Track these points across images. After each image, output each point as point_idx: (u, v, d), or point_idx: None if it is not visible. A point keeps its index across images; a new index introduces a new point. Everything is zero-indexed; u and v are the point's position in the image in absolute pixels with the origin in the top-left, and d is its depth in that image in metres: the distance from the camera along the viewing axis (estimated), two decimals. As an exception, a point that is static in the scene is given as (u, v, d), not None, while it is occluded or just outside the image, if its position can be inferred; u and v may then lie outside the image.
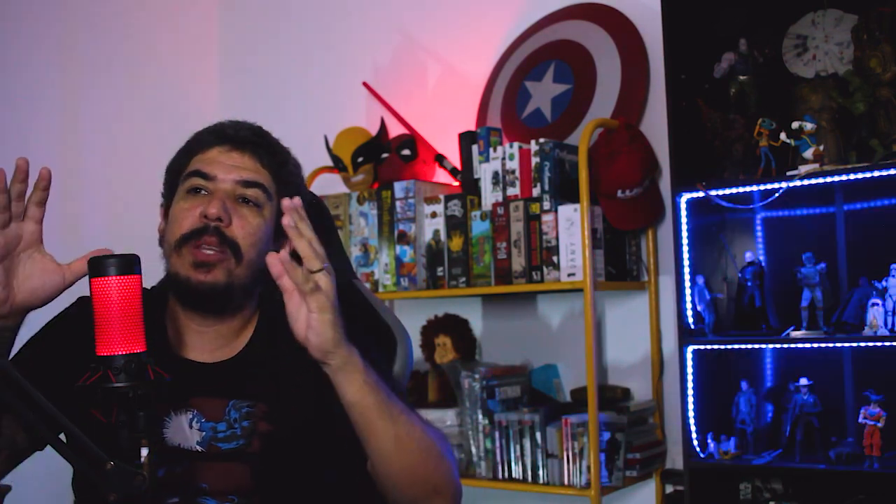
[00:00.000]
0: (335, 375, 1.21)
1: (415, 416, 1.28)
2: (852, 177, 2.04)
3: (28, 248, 1.18)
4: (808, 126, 2.09)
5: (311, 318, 1.16)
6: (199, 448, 1.31)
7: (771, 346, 2.26)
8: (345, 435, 1.26)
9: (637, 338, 2.59)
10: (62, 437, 0.99)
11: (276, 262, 1.15)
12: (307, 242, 1.15)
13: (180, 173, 1.37)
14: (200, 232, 1.29)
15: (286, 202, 1.16)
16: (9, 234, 1.15)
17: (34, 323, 1.33)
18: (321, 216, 1.62)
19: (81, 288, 1.21)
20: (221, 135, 1.37)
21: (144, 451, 1.02)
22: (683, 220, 2.25)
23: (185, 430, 1.31)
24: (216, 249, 1.29)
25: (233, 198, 1.33)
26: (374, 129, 2.87)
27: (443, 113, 2.97)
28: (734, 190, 2.18)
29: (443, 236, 2.59)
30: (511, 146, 2.51)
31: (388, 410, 1.23)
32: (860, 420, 2.04)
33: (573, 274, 2.35)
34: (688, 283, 2.24)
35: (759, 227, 2.38)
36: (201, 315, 1.35)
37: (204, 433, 1.32)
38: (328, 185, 2.96)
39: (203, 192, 1.33)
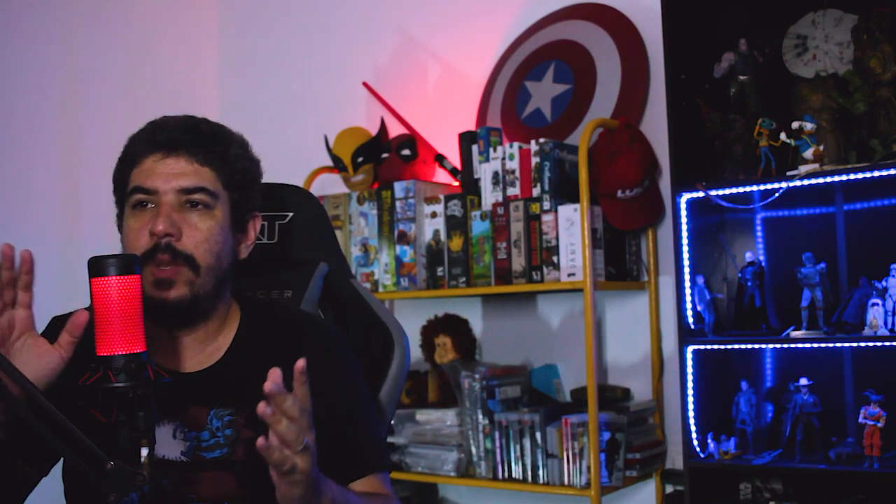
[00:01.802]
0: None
1: None
2: (852, 177, 2.04)
3: (22, 335, 1.13)
4: (808, 126, 2.09)
5: (282, 485, 1.13)
6: (184, 458, 1.30)
7: (771, 346, 2.26)
8: (327, 438, 1.26)
9: (637, 338, 2.59)
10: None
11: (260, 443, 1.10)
12: (286, 424, 1.07)
13: (123, 186, 1.35)
14: (153, 251, 1.27)
15: (268, 386, 1.05)
16: (1, 324, 1.12)
17: (41, 328, 1.33)
18: (308, 207, 1.60)
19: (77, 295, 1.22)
20: (152, 141, 1.33)
21: (144, 451, 1.02)
22: (683, 220, 2.25)
23: (169, 441, 1.30)
24: (172, 265, 1.27)
25: (178, 207, 1.30)
26: (374, 129, 2.87)
27: (443, 113, 2.97)
28: (734, 190, 2.18)
29: (443, 236, 2.59)
30: (511, 146, 2.51)
31: None
32: (860, 420, 2.04)
33: (573, 274, 2.35)
34: (688, 283, 2.24)
35: (759, 227, 2.38)
36: (170, 328, 1.34)
37: (188, 443, 1.30)
38: (328, 185, 2.96)
39: (148, 205, 1.31)
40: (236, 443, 1.31)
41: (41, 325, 1.40)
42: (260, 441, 1.07)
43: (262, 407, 1.06)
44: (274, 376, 1.05)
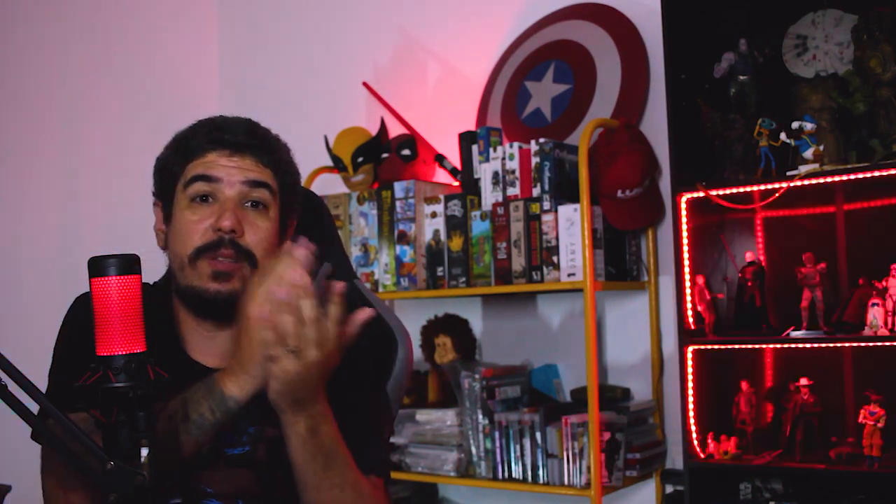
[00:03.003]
0: (281, 419, 1.21)
1: (351, 475, 1.26)
2: (852, 177, 2.04)
3: None
4: (808, 126, 2.09)
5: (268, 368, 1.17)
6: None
7: (771, 346, 2.26)
8: (348, 438, 1.26)
9: (637, 338, 2.59)
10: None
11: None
12: (289, 318, 1.13)
13: (176, 176, 1.35)
14: (216, 245, 1.29)
15: (339, 286, 1.15)
16: None
17: (41, 328, 1.33)
18: (319, 213, 1.61)
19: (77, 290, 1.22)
20: (218, 140, 1.34)
21: (144, 451, 1.02)
22: (683, 220, 2.25)
23: None
24: (233, 261, 1.29)
25: (240, 204, 1.31)
26: (374, 129, 2.87)
27: (443, 113, 2.97)
28: (734, 190, 2.18)
29: (443, 236, 2.59)
30: (511, 146, 2.51)
31: (322, 469, 1.22)
32: (860, 420, 2.04)
33: (573, 274, 2.35)
34: (688, 283, 2.24)
35: (759, 227, 2.38)
36: (215, 323, 1.34)
37: None
38: (328, 185, 2.96)
39: (209, 198, 1.31)
40: (258, 441, 1.31)
41: (42, 320, 1.41)
42: (256, 312, 1.13)
43: (277, 292, 1.13)
44: (304, 245, 1.14)
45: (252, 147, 1.34)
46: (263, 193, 1.33)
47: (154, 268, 1.37)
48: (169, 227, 1.36)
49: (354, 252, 2.75)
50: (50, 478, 1.24)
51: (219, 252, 1.28)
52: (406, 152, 2.79)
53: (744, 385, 2.23)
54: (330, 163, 2.89)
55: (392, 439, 2.60)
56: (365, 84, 3.09)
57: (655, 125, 2.52)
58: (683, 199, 2.25)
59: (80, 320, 1.35)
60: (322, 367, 1.16)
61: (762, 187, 2.16)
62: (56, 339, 1.37)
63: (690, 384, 2.21)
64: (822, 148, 2.09)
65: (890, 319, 1.99)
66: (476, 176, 2.62)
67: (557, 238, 2.38)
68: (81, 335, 1.31)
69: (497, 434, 2.44)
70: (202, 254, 1.29)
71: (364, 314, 1.20)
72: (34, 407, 1.04)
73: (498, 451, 2.44)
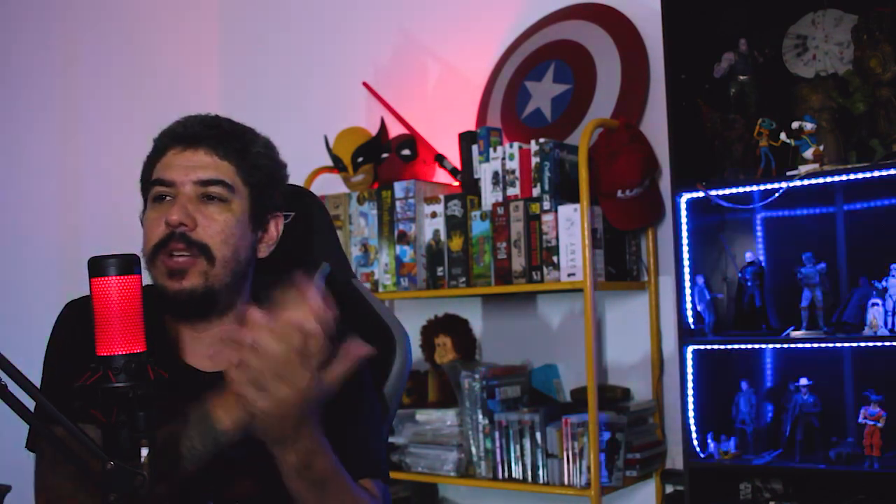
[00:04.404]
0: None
1: (349, 497, 1.25)
2: (852, 177, 2.04)
3: None
4: (808, 126, 2.09)
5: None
6: None
7: (771, 346, 2.26)
8: (348, 442, 1.26)
9: (637, 338, 2.59)
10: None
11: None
12: (249, 357, 1.08)
13: (147, 182, 1.36)
14: (167, 240, 1.27)
15: (254, 313, 1.09)
16: None
17: (41, 328, 1.33)
18: (310, 207, 1.60)
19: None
20: (173, 135, 1.34)
21: (144, 451, 1.02)
22: (683, 220, 2.25)
23: None
24: (186, 255, 1.27)
25: (195, 199, 1.30)
26: (374, 129, 2.87)
27: (443, 113, 2.97)
28: (734, 190, 2.18)
29: (443, 236, 2.59)
30: (511, 146, 2.51)
31: (318, 499, 1.20)
32: (860, 420, 2.04)
33: (573, 274, 2.35)
34: (688, 283, 2.24)
35: (759, 227, 2.38)
36: (190, 323, 1.34)
37: None
38: (328, 185, 2.96)
39: (167, 198, 1.31)
40: (258, 446, 1.31)
41: (42, 320, 1.41)
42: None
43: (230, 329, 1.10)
44: (256, 314, 1.08)
45: (207, 139, 1.33)
46: (218, 189, 1.31)
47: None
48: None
49: (354, 252, 2.75)
50: (41, 497, 1.23)
51: (170, 246, 1.27)
52: (406, 152, 2.79)
53: (744, 385, 2.23)
54: (330, 163, 2.89)
55: (392, 439, 2.60)
56: (365, 84, 3.09)
57: (655, 125, 2.52)
58: (683, 199, 2.25)
59: (70, 327, 1.35)
60: (299, 404, 1.11)
61: (762, 187, 2.16)
62: (47, 346, 1.36)
63: (690, 384, 2.21)
64: (822, 148, 2.09)
65: (890, 319, 1.99)
66: (476, 176, 2.62)
67: (557, 238, 2.38)
68: (72, 342, 1.31)
69: (497, 434, 2.44)
70: (158, 251, 1.28)
71: (359, 350, 1.14)
72: (34, 407, 1.04)
73: (498, 451, 2.44)
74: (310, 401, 1.12)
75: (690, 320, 2.23)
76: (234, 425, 1.17)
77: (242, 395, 1.11)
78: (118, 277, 1.01)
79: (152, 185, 1.33)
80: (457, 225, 2.57)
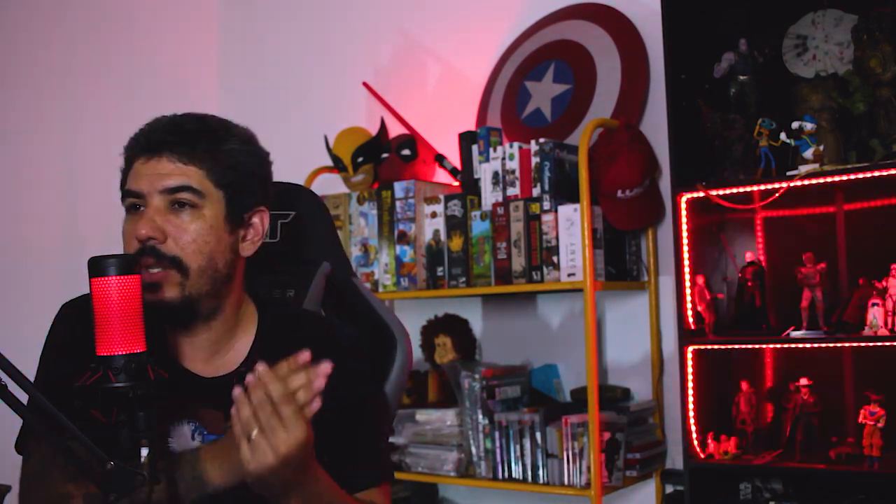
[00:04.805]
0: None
1: None
2: (852, 177, 2.04)
3: None
4: (808, 126, 2.09)
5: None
6: None
7: (771, 346, 2.26)
8: (359, 450, 1.26)
9: (637, 338, 2.59)
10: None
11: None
12: (245, 410, 1.08)
13: (122, 193, 1.35)
14: (139, 255, 1.25)
15: (250, 376, 1.08)
16: None
17: (41, 328, 1.33)
18: (310, 206, 1.60)
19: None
20: (137, 144, 1.32)
21: (144, 451, 1.02)
22: (683, 220, 2.25)
23: (188, 443, 1.30)
24: (158, 269, 1.25)
25: (165, 209, 1.28)
26: (374, 129, 2.87)
27: (443, 113, 2.97)
28: (734, 190, 2.18)
29: (443, 236, 2.59)
30: (511, 146, 2.51)
31: None
32: (860, 420, 2.04)
33: (573, 274, 2.35)
34: (688, 283, 2.24)
35: (759, 227, 2.38)
36: (179, 331, 1.33)
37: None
38: (328, 185, 2.96)
39: (141, 208, 1.29)
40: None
41: (42, 320, 1.41)
42: (236, 391, 1.09)
43: (236, 391, 1.08)
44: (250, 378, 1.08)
45: (169, 145, 1.29)
46: (185, 195, 1.28)
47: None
48: None
49: (354, 252, 2.75)
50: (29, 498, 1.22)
51: (142, 262, 1.24)
52: (406, 152, 2.79)
53: (744, 385, 2.23)
54: (330, 163, 2.89)
55: (392, 439, 2.60)
56: (365, 84, 3.09)
57: (655, 125, 2.52)
58: (683, 199, 2.25)
59: (69, 326, 1.34)
60: (301, 453, 1.10)
61: (762, 187, 2.16)
62: (43, 346, 1.35)
63: (690, 384, 2.21)
64: (822, 148, 2.09)
65: (890, 319, 1.99)
66: (476, 176, 2.62)
67: (557, 238, 2.38)
68: (71, 342, 1.31)
69: (497, 434, 2.44)
70: (138, 265, 1.25)
71: (325, 371, 1.11)
72: (28, 406, 1.04)
73: (498, 451, 2.44)
74: (303, 445, 1.10)
75: (690, 320, 2.23)
76: (225, 482, 1.17)
77: (247, 455, 1.09)
78: (118, 277, 1.01)
79: (125, 197, 1.32)
80: (457, 225, 2.57)
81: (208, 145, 1.31)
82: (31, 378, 1.09)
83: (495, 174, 2.54)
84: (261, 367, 1.08)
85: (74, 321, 1.33)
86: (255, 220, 1.36)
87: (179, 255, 1.26)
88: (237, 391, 1.09)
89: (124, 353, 1.00)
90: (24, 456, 1.27)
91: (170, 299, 1.25)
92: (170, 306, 1.26)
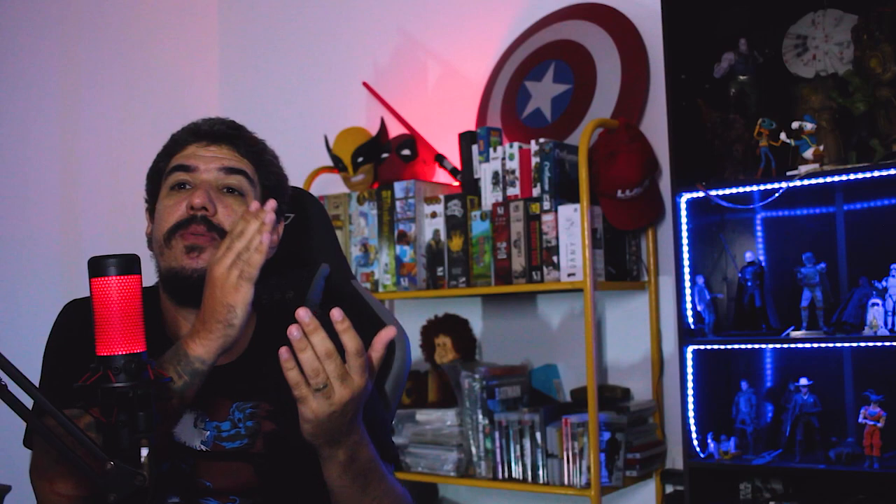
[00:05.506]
0: (318, 451, 1.22)
1: (386, 484, 1.29)
2: (852, 177, 2.04)
3: None
4: (808, 126, 2.09)
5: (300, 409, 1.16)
6: (203, 447, 1.31)
7: (771, 346, 2.26)
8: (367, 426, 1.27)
9: (637, 338, 2.59)
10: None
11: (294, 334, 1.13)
12: (309, 355, 1.12)
13: (161, 174, 1.39)
14: (188, 222, 1.31)
15: (300, 312, 1.11)
16: None
17: (41, 328, 1.33)
18: (309, 208, 1.61)
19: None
20: (197, 132, 1.38)
21: (144, 451, 1.02)
22: (683, 220, 2.25)
23: (191, 430, 1.32)
24: (206, 236, 1.31)
25: (216, 188, 1.34)
26: (374, 129, 2.87)
27: (443, 113, 2.97)
28: (734, 190, 2.18)
29: (443, 236, 2.59)
30: (511, 146, 2.51)
31: (362, 490, 1.25)
32: (860, 420, 2.04)
33: (573, 274, 2.35)
34: (688, 283, 2.24)
35: (759, 227, 2.38)
36: (196, 309, 1.34)
37: (208, 433, 1.32)
38: (328, 185, 2.96)
39: (187, 186, 1.34)
40: (256, 435, 1.32)
41: (42, 320, 1.41)
42: (283, 351, 1.12)
43: (291, 330, 1.11)
44: (302, 312, 1.11)
45: (230, 137, 1.38)
46: (239, 180, 1.35)
47: (154, 268, 1.38)
48: (153, 218, 1.38)
49: (354, 252, 2.76)
50: (38, 475, 1.24)
51: (190, 228, 1.30)
52: (406, 152, 2.79)
53: (744, 385, 2.23)
54: (330, 163, 2.89)
55: (392, 439, 2.60)
56: (365, 84, 3.09)
57: (655, 125, 2.52)
58: (683, 199, 2.25)
59: (70, 327, 1.36)
60: (353, 402, 1.15)
61: (762, 187, 2.16)
62: (46, 345, 1.37)
63: (690, 384, 2.21)
64: (822, 148, 2.09)
65: (890, 319, 1.99)
66: (476, 176, 2.62)
67: (557, 238, 2.38)
68: (72, 342, 1.32)
69: (497, 434, 2.44)
70: (176, 231, 1.31)
71: (387, 334, 1.18)
72: (32, 405, 1.04)
73: (498, 451, 2.44)
74: (360, 396, 1.16)
75: (690, 320, 2.23)
76: (210, 354, 1.21)
77: (301, 399, 1.14)
78: (118, 277, 1.01)
79: (171, 173, 1.36)
80: (457, 225, 2.57)
81: (258, 148, 1.41)
82: (33, 376, 1.09)
83: (495, 174, 2.54)
84: (305, 316, 1.11)
85: (75, 322, 1.35)
86: (279, 227, 1.42)
87: (227, 229, 1.31)
88: (284, 350, 1.13)
89: (124, 353, 1.00)
90: (32, 451, 1.29)
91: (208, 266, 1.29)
92: (203, 273, 1.28)
